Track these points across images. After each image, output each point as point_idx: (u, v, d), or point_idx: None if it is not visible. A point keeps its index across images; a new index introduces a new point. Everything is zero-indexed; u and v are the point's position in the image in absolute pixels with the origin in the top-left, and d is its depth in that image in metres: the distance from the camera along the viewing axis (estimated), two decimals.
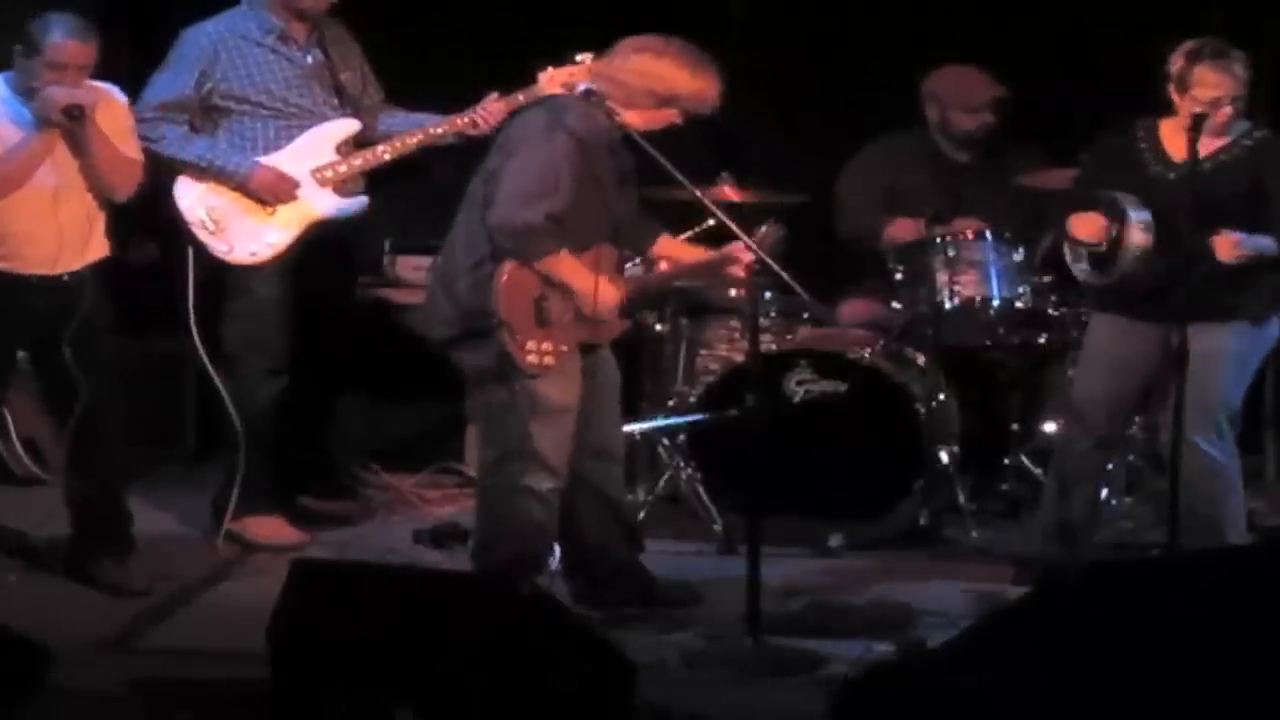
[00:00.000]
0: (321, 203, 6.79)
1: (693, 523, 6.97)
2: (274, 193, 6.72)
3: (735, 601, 5.82)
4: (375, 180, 6.97)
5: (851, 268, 7.59)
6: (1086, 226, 6.16)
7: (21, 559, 6.54)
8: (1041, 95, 7.66)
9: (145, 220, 6.77)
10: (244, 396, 6.77)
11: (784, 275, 5.71)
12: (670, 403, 7.25)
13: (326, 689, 4.88)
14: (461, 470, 7.75)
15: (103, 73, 6.17)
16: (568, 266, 5.86)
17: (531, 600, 5.06)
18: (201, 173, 6.71)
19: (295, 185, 6.74)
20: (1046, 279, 7.07)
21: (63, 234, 6.14)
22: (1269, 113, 6.26)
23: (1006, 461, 7.31)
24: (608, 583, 6.18)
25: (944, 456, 7.05)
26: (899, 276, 7.20)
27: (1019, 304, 7.06)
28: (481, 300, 5.86)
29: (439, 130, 6.83)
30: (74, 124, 6.03)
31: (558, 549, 6.14)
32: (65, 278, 6.20)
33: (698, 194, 5.91)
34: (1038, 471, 7.23)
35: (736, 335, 7.30)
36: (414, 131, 6.86)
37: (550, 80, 6.65)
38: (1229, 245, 6.01)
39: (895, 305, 7.25)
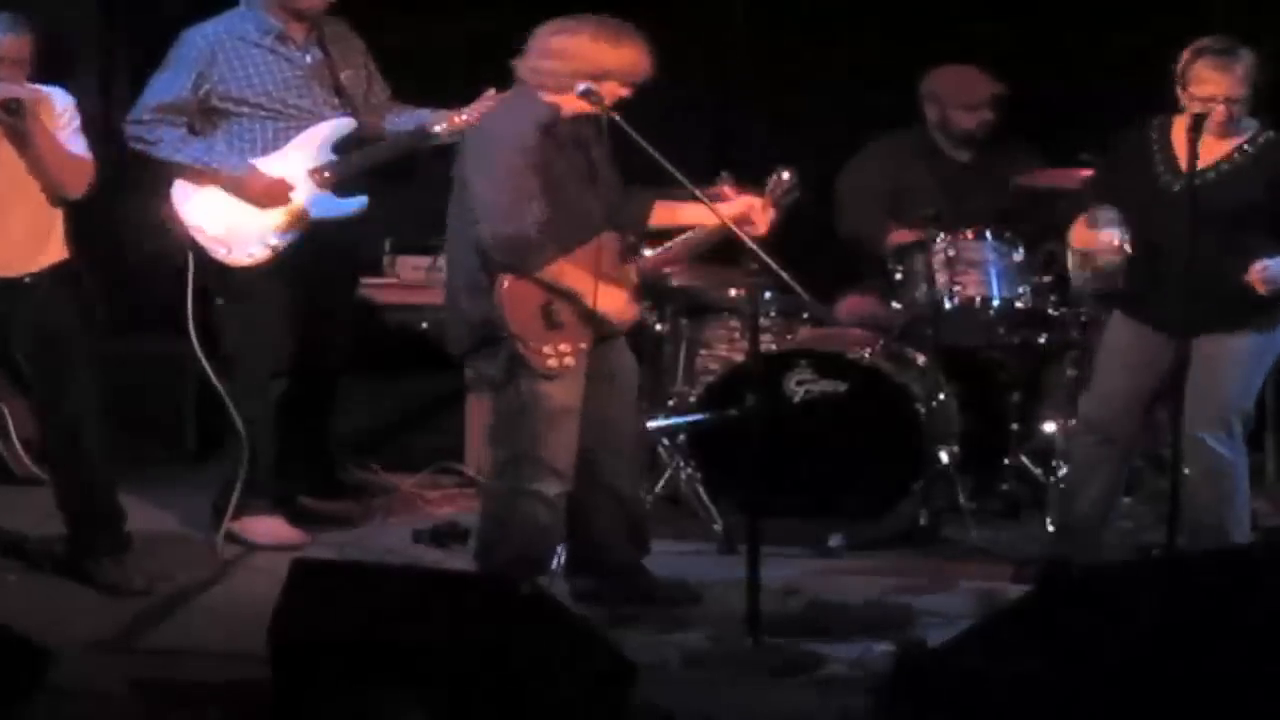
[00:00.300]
0: (319, 203, 6.78)
1: (693, 523, 6.97)
2: (270, 195, 6.71)
3: (735, 601, 5.82)
4: (375, 180, 6.96)
5: (851, 267, 7.59)
6: (1075, 234, 6.17)
7: (21, 559, 6.54)
8: (1041, 95, 7.66)
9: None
10: (244, 398, 6.76)
11: (784, 275, 5.71)
12: (670, 403, 7.25)
13: (331, 691, 4.88)
14: (461, 470, 7.75)
15: (103, 74, 6.18)
16: (565, 272, 5.86)
17: (531, 600, 5.06)
18: (198, 175, 6.70)
19: (291, 188, 6.73)
20: (1046, 279, 7.07)
21: (12, 235, 6.13)
22: (1269, 113, 6.25)
23: (1006, 461, 7.31)
24: (610, 582, 6.18)
25: (944, 456, 7.04)
26: (899, 276, 7.20)
27: (1019, 304, 7.06)
28: (485, 314, 5.86)
29: (437, 128, 6.82)
30: (13, 119, 6.01)
31: (561, 550, 6.14)
32: (26, 279, 6.18)
33: (697, 193, 5.90)
34: (1038, 471, 7.23)
35: (736, 335, 7.30)
36: (436, 122, 6.84)
37: None
38: (1261, 279, 6.00)
39: (895, 305, 7.25)
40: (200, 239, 6.71)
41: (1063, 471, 6.63)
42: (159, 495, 7.24)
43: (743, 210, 6.03)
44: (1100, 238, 6.12)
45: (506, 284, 5.83)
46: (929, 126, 7.61)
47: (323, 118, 6.82)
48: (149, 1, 7.89)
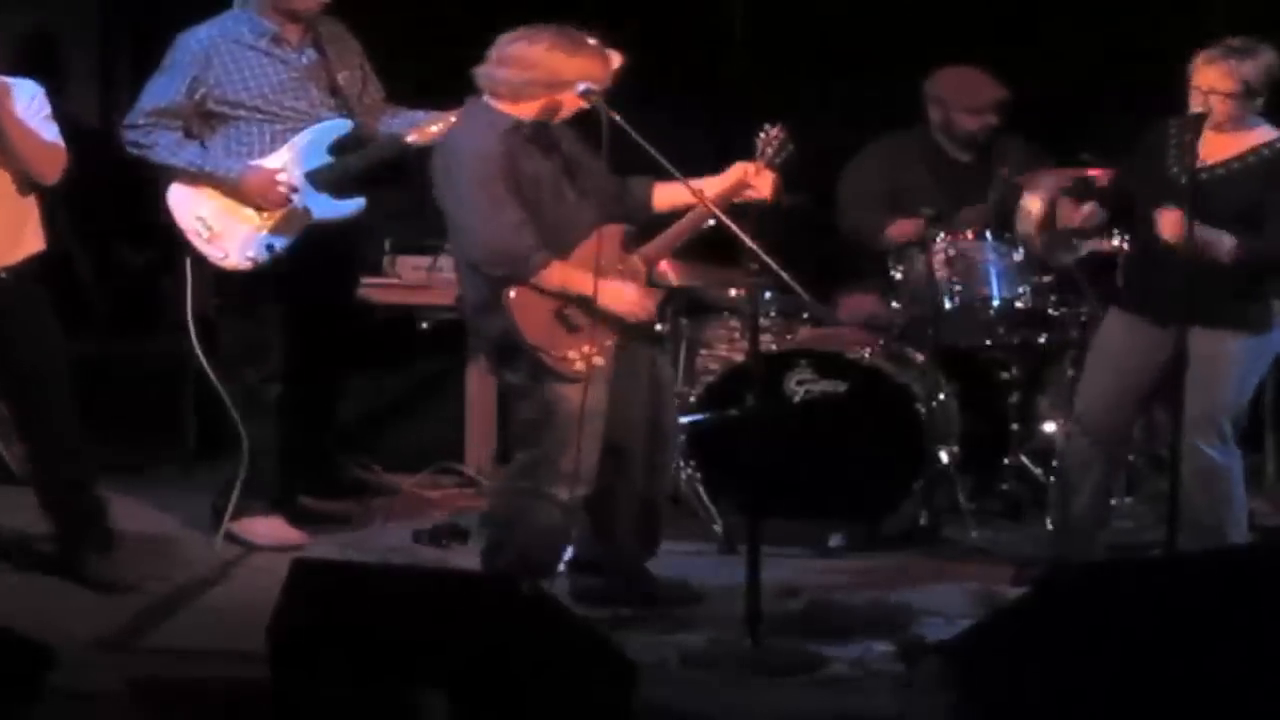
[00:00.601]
0: (317, 205, 6.77)
1: (693, 523, 6.96)
2: (267, 197, 6.70)
3: (735, 601, 5.82)
4: (375, 180, 6.96)
5: (851, 267, 7.59)
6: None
7: (21, 559, 6.54)
8: (1041, 95, 7.66)
9: None
10: (244, 400, 6.75)
11: (784, 275, 5.70)
12: None
13: (330, 691, 4.88)
14: (461, 470, 7.75)
15: (103, 75, 6.17)
16: (563, 275, 5.85)
17: (532, 600, 5.06)
18: (194, 178, 6.69)
19: (289, 189, 6.72)
20: (1046, 279, 7.07)
21: None
22: (1270, 113, 6.25)
23: (1006, 461, 7.31)
24: (611, 582, 6.18)
25: (944, 456, 7.05)
26: (899, 276, 7.21)
27: (1019, 304, 7.06)
28: (502, 328, 5.85)
29: (433, 129, 6.81)
30: None
31: (567, 548, 6.14)
32: (3, 275, 6.17)
33: (693, 189, 5.90)
34: (1038, 471, 7.24)
35: (736, 335, 7.30)
36: (408, 131, 6.84)
37: None
38: (1171, 222, 6.00)
39: (895, 305, 7.25)
40: (198, 243, 6.70)
41: (1057, 474, 6.62)
42: (159, 495, 7.24)
43: (739, 178, 6.02)
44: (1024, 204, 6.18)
45: (513, 294, 5.83)
46: (932, 127, 7.61)
47: (319, 119, 6.80)
48: (149, 3, 7.89)
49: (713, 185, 6.03)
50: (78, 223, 7.56)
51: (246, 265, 6.72)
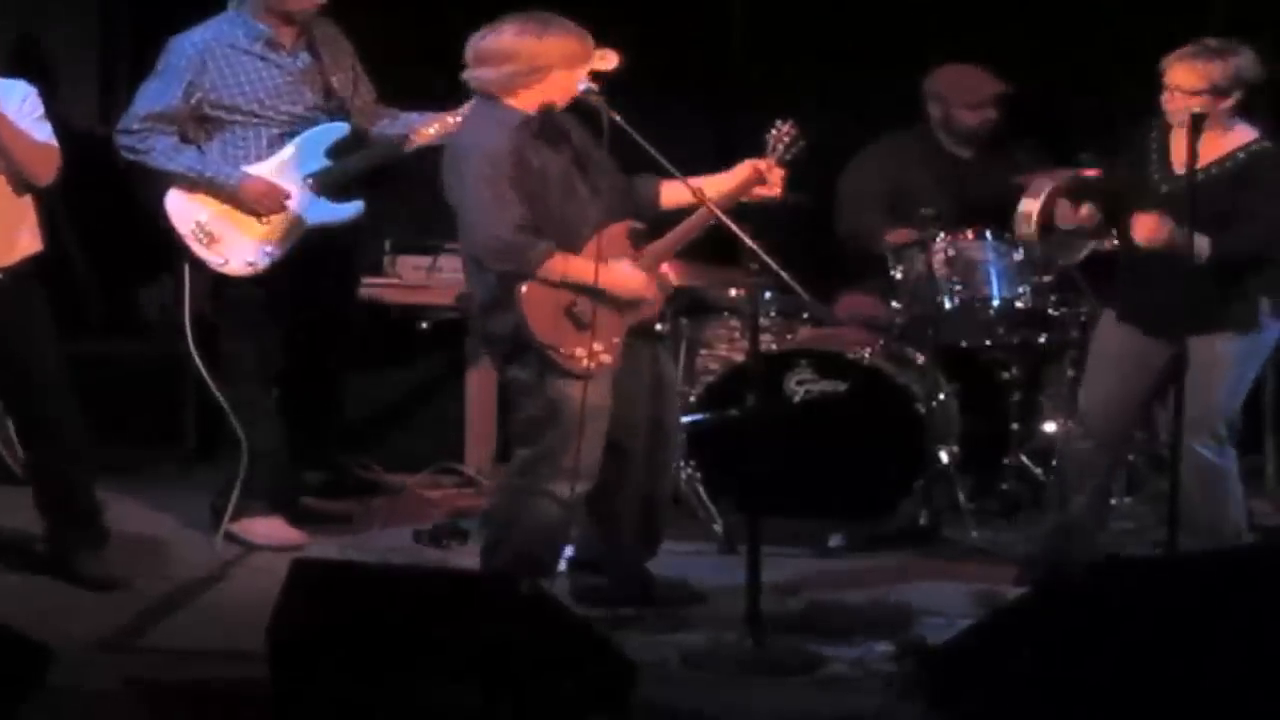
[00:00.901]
0: (315, 209, 6.77)
1: (693, 523, 6.96)
2: (264, 203, 6.69)
3: (735, 601, 5.82)
4: (375, 180, 6.95)
5: (851, 267, 7.59)
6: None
7: (21, 559, 6.53)
8: (1042, 94, 7.67)
9: None
10: (242, 403, 6.74)
11: (784, 275, 5.70)
12: None
13: (330, 691, 4.88)
14: (462, 470, 7.75)
15: (103, 78, 6.16)
16: (568, 264, 5.85)
17: (531, 600, 5.06)
18: (192, 184, 6.67)
19: (286, 195, 6.71)
20: (1046, 279, 7.07)
21: None
22: (1270, 113, 6.25)
23: (1006, 461, 7.31)
24: (611, 581, 6.18)
25: (944, 456, 7.04)
26: (899, 276, 7.20)
27: (1019, 304, 7.06)
28: (511, 326, 5.85)
29: (430, 130, 6.80)
30: None
31: (567, 548, 6.14)
32: (1, 276, 6.17)
33: (694, 189, 5.90)
34: (1038, 471, 7.24)
35: (736, 335, 7.29)
36: (406, 135, 6.83)
37: None
38: (1147, 226, 6.00)
39: (895, 305, 7.25)
40: (196, 248, 6.69)
41: (1055, 474, 6.61)
42: (159, 495, 7.24)
43: (747, 176, 6.03)
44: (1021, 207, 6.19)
45: (525, 289, 5.83)
46: (932, 125, 7.61)
47: (315, 122, 6.79)
48: (148, 4, 7.89)
49: (722, 183, 6.03)
50: (77, 223, 7.56)
51: (245, 271, 6.72)
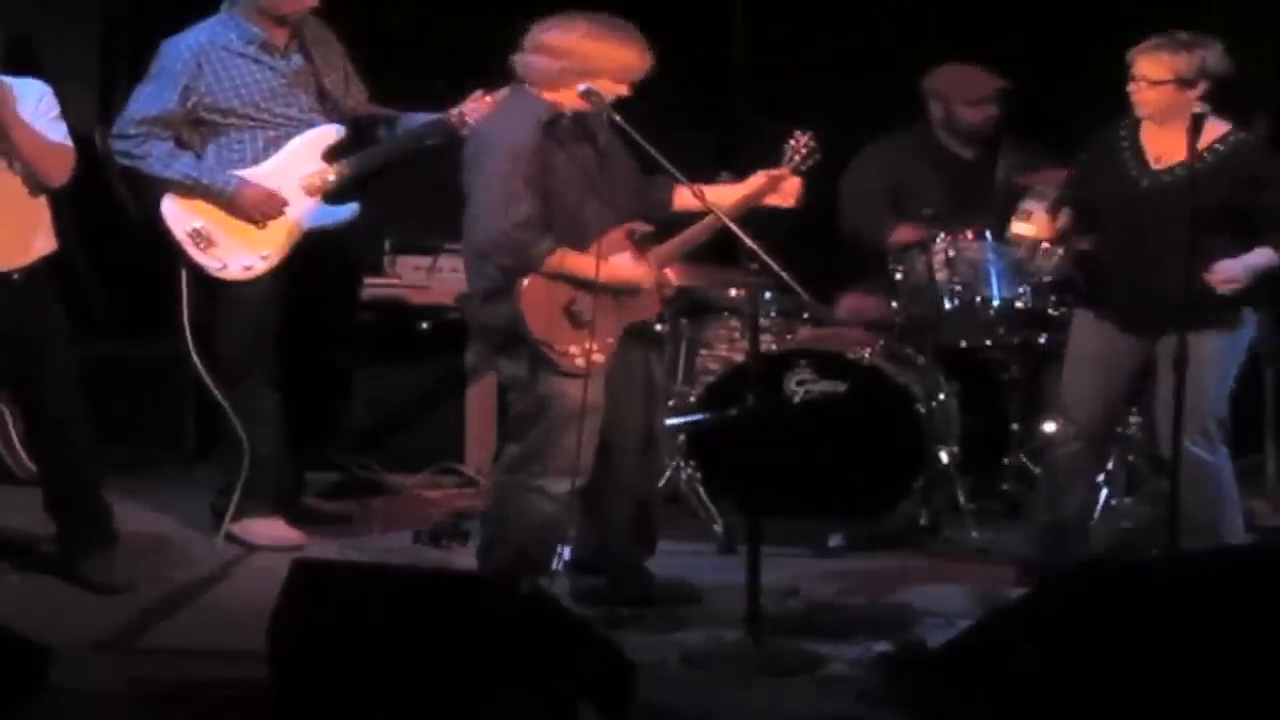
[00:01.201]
0: (311, 213, 6.76)
1: (693, 523, 6.97)
2: (262, 209, 6.68)
3: (735, 601, 5.82)
4: (374, 180, 6.95)
5: (851, 267, 7.59)
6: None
7: (22, 559, 6.54)
8: (1043, 94, 7.67)
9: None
10: (242, 407, 6.74)
11: (784, 275, 5.70)
12: (670, 403, 7.25)
13: (330, 691, 4.88)
14: (461, 470, 7.76)
15: (103, 78, 6.15)
16: (571, 260, 5.85)
17: (531, 600, 5.06)
18: (188, 190, 6.67)
19: (283, 202, 6.70)
20: (1047, 279, 7.07)
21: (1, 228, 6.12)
22: (1270, 113, 6.25)
23: (1006, 461, 7.31)
24: (610, 581, 6.18)
25: (944, 456, 7.05)
26: (899, 276, 7.21)
27: (1019, 304, 7.05)
28: (506, 317, 5.86)
29: (425, 131, 6.80)
30: None
31: (565, 549, 6.14)
32: (14, 276, 6.17)
33: (697, 192, 5.90)
34: (1038, 471, 7.23)
35: (736, 335, 7.30)
36: (423, 126, 6.82)
37: None
38: (1223, 279, 6.01)
39: (895, 305, 7.25)
40: (192, 254, 6.68)
41: (1044, 474, 6.61)
42: (159, 495, 7.24)
43: (761, 184, 6.04)
44: (1020, 228, 6.19)
45: (525, 283, 5.83)
46: (933, 124, 7.61)
47: (310, 125, 6.78)
48: (148, 5, 7.89)
49: (736, 191, 6.05)
50: (78, 223, 7.55)
51: (243, 275, 6.71)
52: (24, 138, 6.08)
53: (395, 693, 4.84)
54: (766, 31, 8.14)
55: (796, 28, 8.12)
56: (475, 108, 6.64)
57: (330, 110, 6.83)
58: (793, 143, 6.15)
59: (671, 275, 7.00)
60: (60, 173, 6.18)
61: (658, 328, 7.18)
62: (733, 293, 7.21)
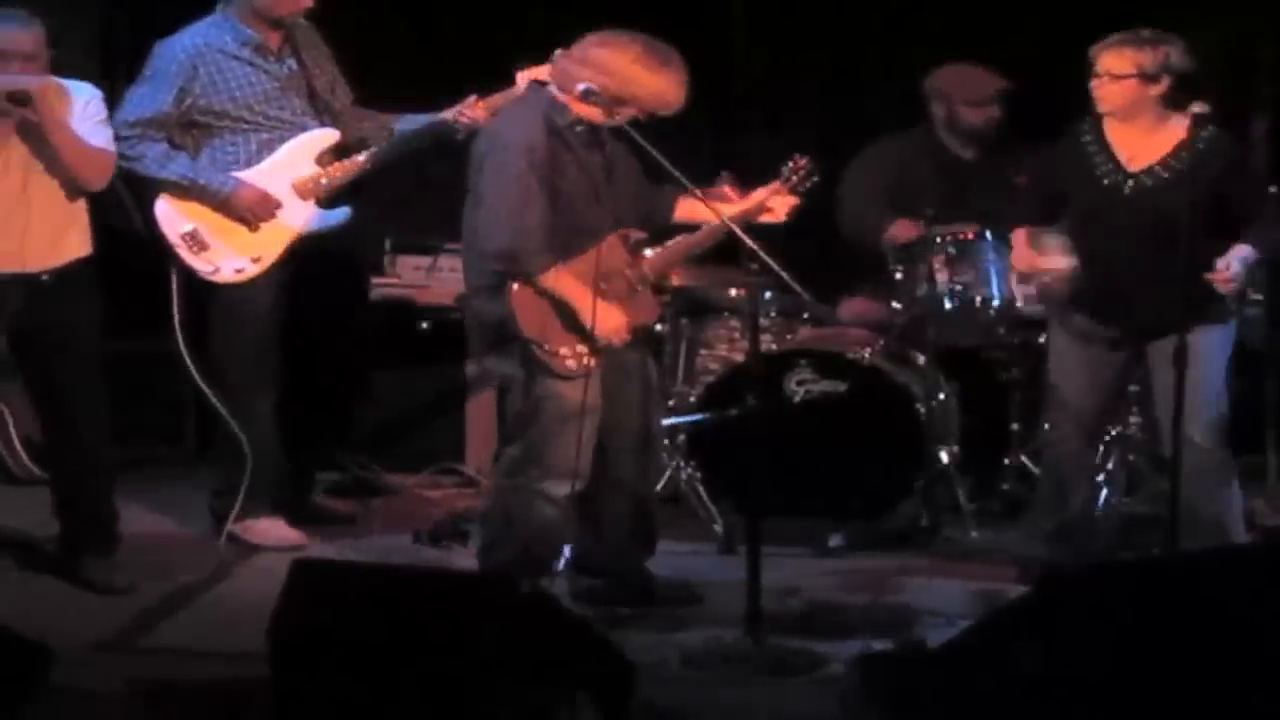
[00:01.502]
0: (304, 216, 6.76)
1: (693, 523, 6.97)
2: (256, 211, 6.68)
3: (735, 601, 5.82)
4: (374, 181, 6.95)
5: (851, 267, 7.59)
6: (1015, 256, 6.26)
7: (22, 559, 6.54)
8: (1044, 94, 7.67)
9: None
10: (239, 407, 6.73)
11: (784, 275, 5.71)
12: (670, 403, 7.25)
13: (330, 691, 4.88)
14: (462, 470, 7.76)
15: (104, 78, 6.14)
16: (563, 283, 5.85)
17: (532, 600, 5.06)
18: (183, 192, 6.66)
19: (277, 204, 6.70)
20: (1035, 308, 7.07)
21: (31, 228, 6.11)
22: (1270, 112, 6.25)
23: (1006, 461, 7.32)
24: (610, 582, 6.18)
25: (944, 456, 7.05)
26: (899, 276, 7.21)
27: (1019, 304, 7.05)
28: (500, 315, 5.86)
29: (418, 134, 6.79)
30: (21, 110, 6.00)
31: (566, 550, 6.14)
32: (44, 277, 6.17)
33: (699, 195, 5.91)
34: (1038, 471, 7.23)
35: (736, 335, 7.30)
36: (421, 127, 6.82)
37: (526, 80, 6.55)
38: (1225, 279, 6.01)
39: (895, 305, 7.25)
40: (185, 256, 6.68)
41: (1044, 475, 6.61)
42: (159, 495, 7.24)
43: (760, 200, 6.05)
44: (1046, 262, 6.18)
45: (515, 288, 5.84)
46: (936, 124, 7.61)
47: (303, 128, 6.78)
48: (149, 4, 7.88)
49: (734, 206, 6.07)
50: None
51: (235, 278, 6.71)
52: (65, 141, 6.08)
53: (395, 693, 4.84)
54: (767, 32, 8.13)
55: (797, 28, 8.12)
56: (470, 111, 6.64)
57: (322, 113, 6.83)
58: (791, 164, 6.18)
59: (670, 273, 7.03)
60: (98, 177, 6.19)
61: (657, 328, 7.22)
62: (733, 293, 7.21)
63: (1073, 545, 6.35)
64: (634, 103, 5.85)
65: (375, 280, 7.85)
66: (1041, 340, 7.23)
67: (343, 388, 7.22)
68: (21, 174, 6.10)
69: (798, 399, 6.98)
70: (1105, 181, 6.18)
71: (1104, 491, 6.83)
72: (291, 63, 6.80)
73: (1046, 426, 6.84)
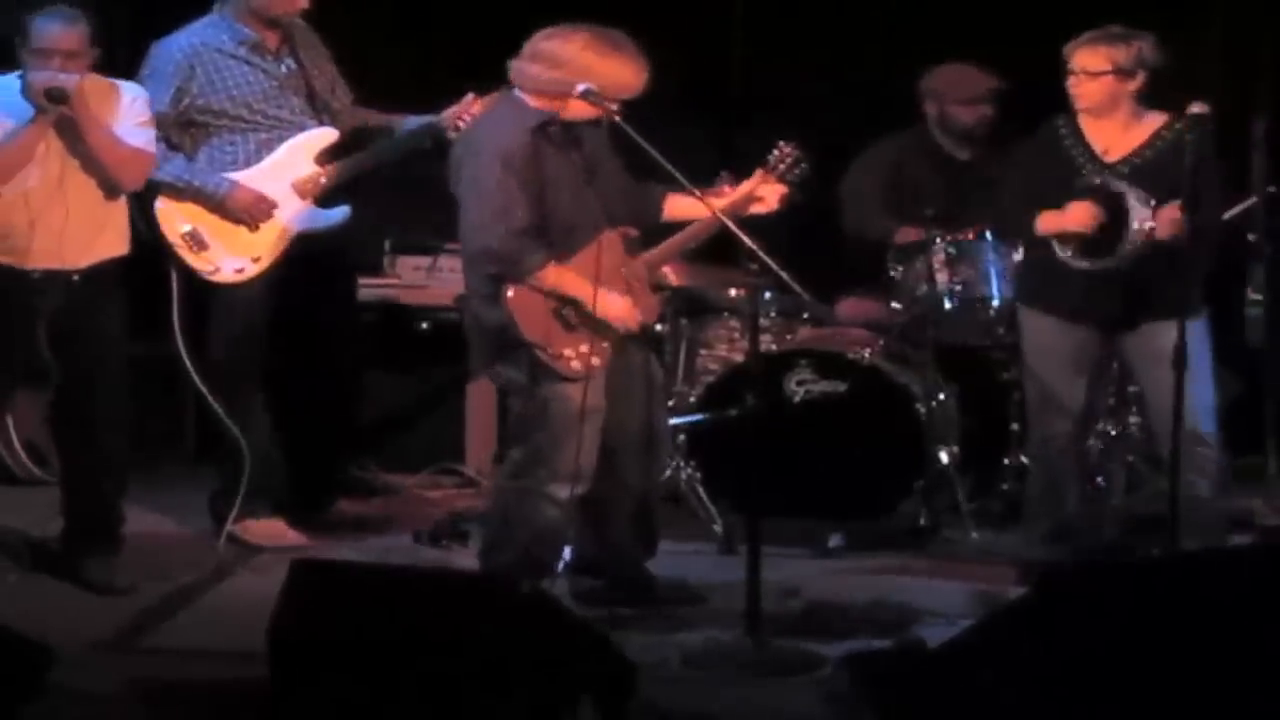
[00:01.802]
0: (302, 216, 6.76)
1: (693, 523, 6.97)
2: (252, 212, 6.68)
3: (735, 601, 5.82)
4: (374, 181, 6.95)
5: (851, 267, 7.59)
6: (1076, 217, 6.16)
7: (22, 559, 6.54)
8: (1041, 94, 7.66)
9: None
10: (238, 408, 6.73)
11: (784, 275, 5.70)
12: (670, 403, 7.25)
13: (330, 691, 4.88)
14: (461, 470, 7.76)
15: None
16: (560, 277, 5.85)
17: (532, 600, 5.06)
18: (179, 192, 6.66)
19: (274, 205, 6.70)
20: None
21: (67, 226, 6.10)
22: (1270, 112, 6.25)
23: (1006, 461, 7.31)
24: (611, 582, 6.18)
25: (944, 457, 7.05)
26: (899, 276, 7.21)
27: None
28: (501, 321, 5.85)
29: (417, 134, 6.79)
30: (57, 107, 6.00)
31: (566, 551, 6.14)
32: (75, 277, 6.17)
33: (697, 194, 5.91)
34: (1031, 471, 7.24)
35: (736, 335, 7.30)
36: (416, 130, 6.82)
37: None
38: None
39: (895, 305, 7.25)
40: (184, 256, 6.67)
41: (1038, 476, 6.60)
42: (159, 495, 7.24)
43: (748, 191, 6.04)
44: (1141, 220, 6.17)
45: (511, 292, 5.83)
46: (929, 124, 7.62)
47: (301, 127, 6.78)
48: (149, 4, 7.88)
49: (722, 199, 6.05)
50: None
51: (234, 278, 6.71)
52: (101, 140, 6.09)
53: (395, 693, 4.84)
54: (766, 32, 8.13)
55: (796, 28, 8.12)
56: (467, 111, 6.64)
57: (321, 113, 6.83)
58: (777, 152, 6.17)
59: (670, 273, 7.02)
60: (132, 178, 6.20)
61: (657, 328, 7.22)
62: (733, 293, 7.21)
63: (1072, 545, 6.35)
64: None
65: (375, 280, 7.84)
66: None
67: (343, 389, 7.21)
68: (59, 171, 6.10)
69: (798, 399, 6.98)
70: (1082, 174, 6.20)
71: (1103, 491, 6.82)
72: (290, 62, 6.79)
73: (1032, 427, 6.86)
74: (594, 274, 5.85)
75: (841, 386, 6.98)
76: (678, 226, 6.20)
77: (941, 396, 7.14)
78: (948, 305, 7.06)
